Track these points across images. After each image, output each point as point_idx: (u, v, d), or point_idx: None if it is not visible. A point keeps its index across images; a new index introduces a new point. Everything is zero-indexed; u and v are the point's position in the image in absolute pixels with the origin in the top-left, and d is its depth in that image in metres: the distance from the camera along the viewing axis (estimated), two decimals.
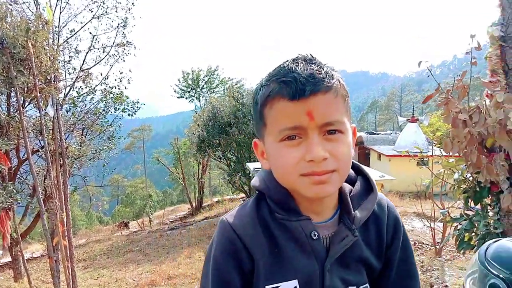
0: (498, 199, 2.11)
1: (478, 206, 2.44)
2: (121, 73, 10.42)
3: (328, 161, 0.68)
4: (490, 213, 2.33)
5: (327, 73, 0.68)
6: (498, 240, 0.92)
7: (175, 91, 28.56)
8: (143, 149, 38.20)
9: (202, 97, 27.90)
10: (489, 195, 2.27)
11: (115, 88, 10.53)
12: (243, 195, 17.47)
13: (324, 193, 0.70)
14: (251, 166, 11.71)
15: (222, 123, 13.48)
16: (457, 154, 2.37)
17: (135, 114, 11.41)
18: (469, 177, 2.37)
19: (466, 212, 2.45)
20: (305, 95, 0.65)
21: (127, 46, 9.80)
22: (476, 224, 2.26)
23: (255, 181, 0.83)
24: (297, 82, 0.66)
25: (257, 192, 0.83)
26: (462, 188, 2.45)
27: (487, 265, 0.91)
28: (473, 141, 2.10)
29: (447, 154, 2.57)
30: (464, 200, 2.43)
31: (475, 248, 2.29)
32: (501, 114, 1.85)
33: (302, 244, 0.76)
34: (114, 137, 11.45)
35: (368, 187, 0.82)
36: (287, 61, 0.71)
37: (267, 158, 0.77)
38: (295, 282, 0.75)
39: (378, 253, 0.82)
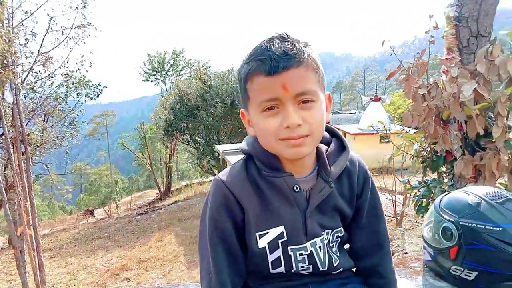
0: (453, 166, 2.33)
1: (435, 176, 2.67)
2: (82, 56, 9.99)
3: (302, 127, 0.79)
4: (446, 180, 2.56)
5: (298, 50, 0.77)
6: (449, 192, 1.08)
7: (140, 73, 27.81)
8: (106, 135, 37.02)
9: (168, 80, 27.35)
10: (445, 163, 2.49)
11: (77, 71, 10.10)
12: (212, 178, 17.51)
13: (300, 154, 0.82)
14: (220, 148, 11.74)
15: (189, 106, 13.32)
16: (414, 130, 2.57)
17: (97, 97, 11.07)
18: (427, 147, 2.58)
19: (424, 180, 2.67)
20: (279, 70, 0.75)
21: (87, 27, 9.35)
22: (432, 190, 2.48)
23: (243, 145, 0.94)
24: (271, 60, 0.75)
25: (245, 155, 0.93)
26: (420, 159, 2.66)
27: (440, 212, 1.07)
28: (430, 114, 2.29)
29: (408, 128, 2.77)
30: (423, 169, 2.64)
31: None
32: (455, 88, 2.03)
33: (286, 196, 0.88)
34: (76, 122, 11.07)
35: (341, 146, 0.95)
36: (264, 40, 0.80)
37: (252, 126, 0.88)
38: (282, 228, 0.88)
39: (350, 202, 0.96)
